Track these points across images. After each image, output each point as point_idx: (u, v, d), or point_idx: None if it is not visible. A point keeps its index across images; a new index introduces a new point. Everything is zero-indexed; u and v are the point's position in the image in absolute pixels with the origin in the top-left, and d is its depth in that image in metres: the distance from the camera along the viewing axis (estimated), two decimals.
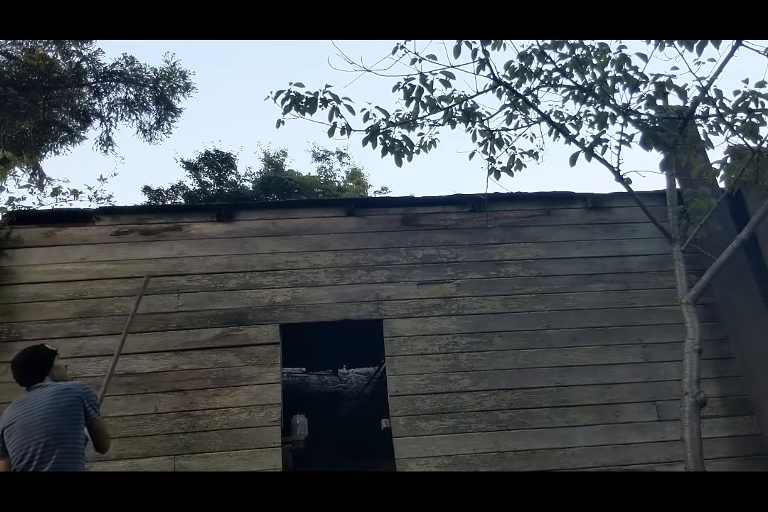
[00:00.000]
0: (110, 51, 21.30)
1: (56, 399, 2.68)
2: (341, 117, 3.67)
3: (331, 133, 3.71)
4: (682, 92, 3.39)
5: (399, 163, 3.90)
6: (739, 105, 3.38)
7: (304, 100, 3.58)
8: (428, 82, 3.64)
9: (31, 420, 2.62)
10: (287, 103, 3.59)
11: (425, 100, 3.75)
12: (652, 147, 3.45)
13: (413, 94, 3.68)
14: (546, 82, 3.72)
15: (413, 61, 3.47)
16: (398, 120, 3.86)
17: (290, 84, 3.58)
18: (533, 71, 3.66)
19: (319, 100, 3.60)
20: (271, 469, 4.38)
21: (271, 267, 5.09)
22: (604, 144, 3.75)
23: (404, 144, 3.90)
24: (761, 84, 3.33)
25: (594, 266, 5.25)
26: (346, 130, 3.71)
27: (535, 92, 3.80)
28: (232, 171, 14.32)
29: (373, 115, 3.75)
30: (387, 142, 3.86)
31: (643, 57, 3.38)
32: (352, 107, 3.63)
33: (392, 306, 4.99)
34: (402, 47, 3.45)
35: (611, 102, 3.59)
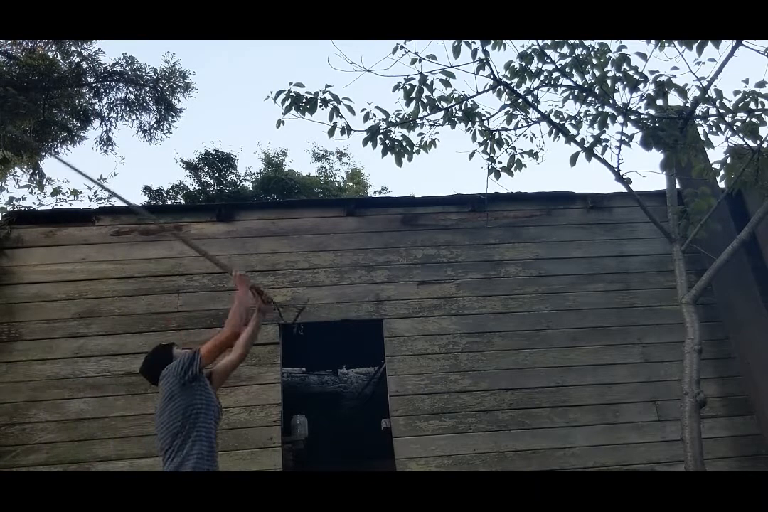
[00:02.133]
0: (110, 51, 21.32)
1: (160, 394, 2.76)
2: (341, 117, 3.67)
3: (331, 133, 3.71)
4: (682, 91, 3.39)
5: (399, 163, 3.90)
6: (739, 105, 3.37)
7: (304, 101, 3.57)
8: (428, 82, 3.63)
9: None
10: (287, 103, 3.58)
11: (425, 100, 3.74)
12: (653, 147, 3.45)
13: (413, 94, 3.68)
14: (546, 82, 3.72)
15: (413, 61, 3.47)
16: (398, 120, 3.86)
17: (290, 84, 3.58)
18: (533, 71, 3.66)
19: (319, 100, 3.59)
20: (271, 469, 4.38)
21: (271, 267, 5.09)
22: (604, 144, 3.75)
23: (404, 144, 3.90)
24: (761, 84, 3.33)
25: (594, 266, 5.25)
26: (347, 130, 3.71)
27: (535, 92, 3.80)
28: (232, 171, 14.32)
29: (374, 115, 3.74)
30: (387, 142, 3.86)
31: (643, 56, 3.37)
32: (352, 107, 3.63)
33: (392, 306, 4.99)
34: (402, 47, 3.44)
35: (611, 102, 3.59)
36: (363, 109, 3.69)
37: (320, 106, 3.60)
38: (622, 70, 3.44)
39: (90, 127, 11.89)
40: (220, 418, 2.90)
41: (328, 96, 3.60)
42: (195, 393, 2.71)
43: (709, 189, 4.04)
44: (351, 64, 3.44)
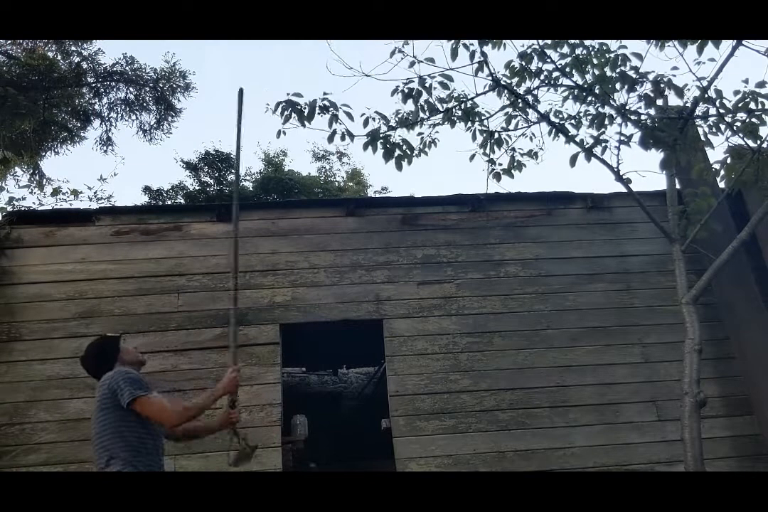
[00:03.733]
0: (110, 51, 21.30)
1: (97, 395, 2.66)
2: (341, 123, 3.64)
3: (330, 139, 3.67)
4: (679, 91, 3.38)
5: (399, 167, 3.88)
6: (739, 105, 3.37)
7: (303, 108, 3.51)
8: (427, 84, 3.62)
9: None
10: (286, 113, 3.52)
11: (424, 104, 3.74)
12: (652, 147, 3.45)
13: (413, 94, 3.66)
14: (546, 81, 3.72)
15: (412, 63, 3.46)
16: (398, 120, 3.84)
17: (287, 95, 3.51)
18: (533, 71, 3.66)
19: (317, 108, 3.54)
20: (271, 469, 4.38)
21: (271, 267, 5.09)
22: (603, 144, 3.74)
23: (404, 147, 3.87)
24: (761, 84, 3.33)
25: (594, 266, 5.25)
26: (347, 135, 3.68)
27: (535, 92, 3.80)
28: (232, 171, 14.32)
29: (373, 119, 3.71)
30: (388, 145, 3.83)
31: (639, 57, 3.37)
32: (351, 114, 3.58)
33: (392, 306, 4.99)
34: (400, 51, 3.43)
35: (611, 102, 3.59)
36: (362, 114, 3.67)
37: (319, 114, 3.56)
38: (618, 70, 3.43)
39: (90, 127, 11.91)
40: (162, 443, 2.75)
41: (326, 103, 3.56)
42: (127, 414, 2.57)
43: (709, 189, 4.03)
44: (349, 69, 3.44)
